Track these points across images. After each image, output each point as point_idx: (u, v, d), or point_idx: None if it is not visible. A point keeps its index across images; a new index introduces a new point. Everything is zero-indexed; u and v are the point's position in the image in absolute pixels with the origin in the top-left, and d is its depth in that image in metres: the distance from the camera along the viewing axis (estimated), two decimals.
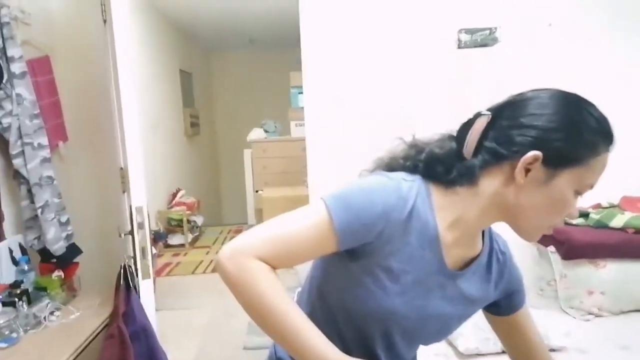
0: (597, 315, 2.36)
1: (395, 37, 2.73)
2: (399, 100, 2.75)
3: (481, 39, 2.87)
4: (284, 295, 0.77)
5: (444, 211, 0.85)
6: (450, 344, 2.07)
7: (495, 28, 2.82)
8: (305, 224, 0.80)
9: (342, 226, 0.78)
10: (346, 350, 0.82)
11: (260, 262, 0.77)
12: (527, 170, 0.79)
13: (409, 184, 0.84)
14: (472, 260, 0.91)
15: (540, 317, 2.23)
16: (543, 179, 0.80)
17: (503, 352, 2.00)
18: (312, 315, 0.82)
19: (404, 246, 0.82)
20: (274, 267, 0.78)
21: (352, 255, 0.83)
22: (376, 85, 2.66)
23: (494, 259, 0.96)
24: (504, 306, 1.01)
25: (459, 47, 2.85)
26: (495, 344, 2.02)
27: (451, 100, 2.81)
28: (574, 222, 2.56)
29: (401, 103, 2.74)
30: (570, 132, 0.79)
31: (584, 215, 2.61)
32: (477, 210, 0.85)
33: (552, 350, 2.01)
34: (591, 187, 0.82)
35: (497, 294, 0.99)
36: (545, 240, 2.65)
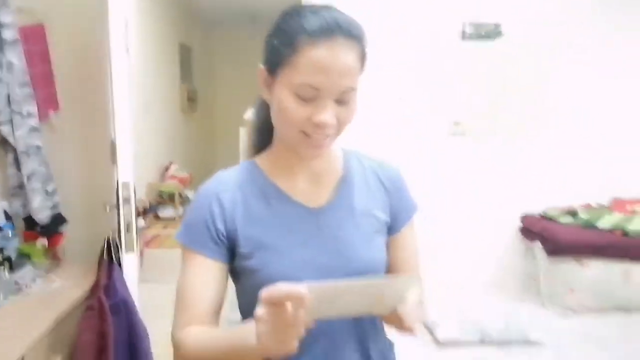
0: (576, 312, 2.40)
1: (400, 24, 2.70)
2: (399, 91, 2.74)
3: (485, 32, 2.84)
4: (207, 341, 0.81)
5: (266, 161, 0.93)
6: (430, 333, 2.10)
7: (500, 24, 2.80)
8: (184, 271, 0.87)
9: (191, 241, 0.86)
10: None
11: (182, 334, 0.83)
12: (268, 86, 0.84)
13: (225, 171, 0.93)
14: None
15: (522, 312, 2.28)
16: (270, 89, 0.84)
17: (481, 341, 2.04)
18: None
19: (249, 214, 0.87)
20: (197, 324, 0.84)
21: (232, 260, 0.88)
22: (377, 71, 2.64)
23: (368, 177, 0.96)
24: (390, 226, 0.97)
25: (463, 38, 2.82)
26: (475, 334, 2.05)
27: (455, 91, 2.79)
28: (562, 220, 2.58)
29: (400, 95, 2.73)
30: (273, 36, 0.82)
31: (573, 213, 2.62)
32: (276, 141, 0.92)
33: (530, 343, 2.04)
34: (310, 87, 0.77)
35: (385, 212, 0.96)
36: (531, 236, 2.67)
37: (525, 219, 2.80)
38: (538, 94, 2.80)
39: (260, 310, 0.63)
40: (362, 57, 0.82)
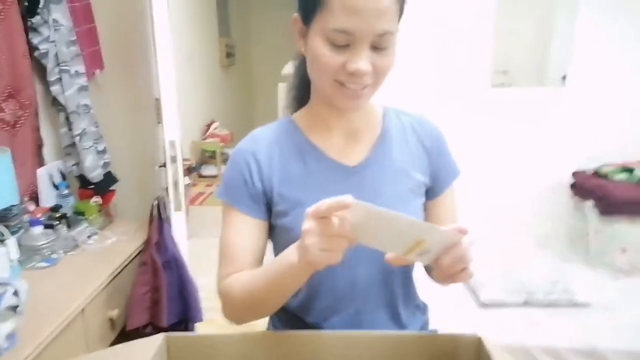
0: (627, 274, 2.32)
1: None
2: (441, 38, 2.61)
3: None
4: (250, 280, 0.82)
5: (303, 118, 0.92)
6: (473, 293, 2.09)
7: None
8: (225, 227, 0.89)
9: (230, 198, 0.88)
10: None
11: (225, 283, 0.85)
12: (303, 36, 0.81)
13: (261, 129, 0.93)
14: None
15: (568, 271, 2.22)
16: (304, 40, 0.81)
17: (525, 303, 2.01)
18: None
19: (285, 172, 0.88)
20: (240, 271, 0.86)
21: (269, 217, 0.89)
22: (414, 17, 2.52)
23: (408, 136, 0.93)
24: (429, 188, 0.95)
25: None
26: (520, 295, 2.02)
27: (501, 37, 2.64)
28: (617, 177, 2.46)
29: (441, 43, 2.60)
30: None
31: (628, 170, 2.49)
32: (314, 96, 0.91)
33: (577, 305, 2.00)
34: (343, 31, 0.73)
35: (424, 173, 0.93)
36: (584, 194, 2.57)
37: (577, 175, 2.69)
38: (590, 42, 2.62)
39: (306, 224, 0.64)
40: None
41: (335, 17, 0.73)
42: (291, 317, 0.96)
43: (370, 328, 0.90)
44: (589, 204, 2.46)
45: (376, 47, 0.76)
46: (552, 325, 1.87)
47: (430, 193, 0.94)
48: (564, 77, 2.71)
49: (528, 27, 2.78)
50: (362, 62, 0.75)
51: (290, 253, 0.72)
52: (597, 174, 2.59)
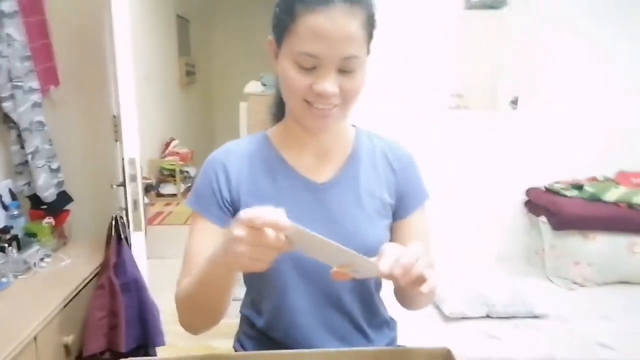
0: (581, 285, 2.41)
1: None
2: (402, 62, 2.68)
3: (491, 0, 2.78)
4: (189, 282, 0.82)
5: (277, 134, 0.94)
6: (437, 307, 2.11)
7: None
8: (191, 234, 0.89)
9: (198, 205, 0.89)
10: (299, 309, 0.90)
11: (178, 289, 0.85)
12: (277, 57, 0.84)
13: (235, 141, 0.96)
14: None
15: (526, 285, 2.29)
16: (277, 60, 0.84)
17: (488, 315, 2.05)
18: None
19: (254, 186, 0.89)
20: None
21: None
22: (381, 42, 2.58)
23: (377, 157, 0.95)
24: (396, 209, 0.96)
25: (467, 8, 2.76)
26: (481, 308, 2.06)
27: (458, 62, 2.74)
28: (568, 193, 2.57)
29: (400, 66, 2.68)
30: (277, 5, 0.81)
31: (578, 187, 2.61)
32: (287, 114, 0.92)
33: (535, 317, 2.06)
34: (309, 55, 0.76)
35: (391, 194, 0.94)
36: (536, 210, 2.67)
37: (530, 192, 2.80)
38: (542, 66, 2.76)
39: (238, 231, 0.62)
40: (368, 24, 0.79)
41: (301, 40, 0.76)
42: (257, 333, 0.97)
43: (336, 343, 0.91)
44: (543, 219, 2.56)
45: (343, 70, 0.78)
46: (513, 337, 1.92)
47: (397, 214, 0.96)
48: (515, 101, 2.84)
49: (481, 51, 2.90)
50: (328, 84, 0.77)
51: (219, 255, 0.70)
52: (549, 190, 2.70)
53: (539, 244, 2.64)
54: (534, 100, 2.80)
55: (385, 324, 1.02)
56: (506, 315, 2.05)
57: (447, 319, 2.04)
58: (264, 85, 4.81)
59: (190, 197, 0.91)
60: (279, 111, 0.98)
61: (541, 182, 2.79)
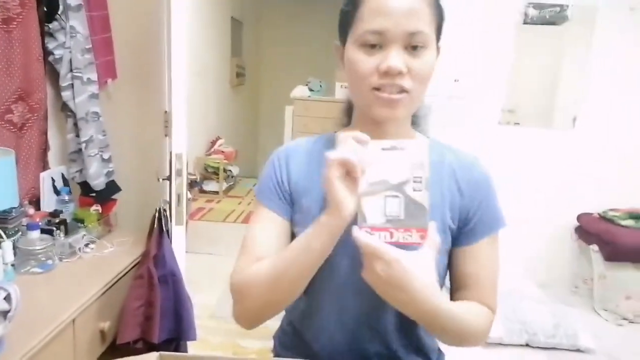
0: (631, 322, 2.27)
1: (460, 4, 2.58)
2: (455, 73, 2.63)
3: (550, 15, 2.69)
4: (276, 257, 0.81)
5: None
6: None
7: (567, 6, 2.63)
8: (252, 222, 0.91)
9: (260, 193, 0.91)
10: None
11: (241, 275, 0.85)
12: (342, 57, 0.85)
13: (304, 138, 0.96)
14: None
15: (571, 316, 2.17)
16: (343, 60, 0.85)
17: (527, 344, 1.96)
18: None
19: (310, 185, 0.88)
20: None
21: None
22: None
23: (443, 174, 0.89)
24: (459, 234, 0.89)
25: (525, 22, 2.68)
26: (521, 336, 1.97)
27: (512, 77, 2.66)
28: (623, 223, 2.44)
29: (456, 76, 2.62)
30: (343, 5, 0.83)
31: (636, 217, 2.47)
32: (354, 116, 0.94)
33: (579, 351, 1.95)
34: (373, 32, 0.77)
35: (453, 216, 0.88)
36: (588, 238, 2.54)
37: (581, 218, 2.67)
38: (602, 84, 2.63)
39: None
40: (434, 6, 0.80)
41: (366, 21, 0.77)
42: (292, 330, 0.99)
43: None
44: (594, 247, 2.43)
45: (410, 48, 0.77)
46: None
47: (460, 240, 0.89)
48: (574, 119, 2.72)
49: (537, 67, 2.81)
50: (394, 59, 0.76)
51: (315, 225, 0.74)
52: (602, 217, 2.57)
53: (588, 273, 2.51)
54: (592, 120, 2.68)
55: (422, 353, 0.97)
56: (547, 345, 1.96)
57: (485, 344, 1.96)
58: (310, 90, 4.84)
59: (256, 186, 0.95)
60: (347, 118, 0.98)
61: (594, 208, 2.65)
